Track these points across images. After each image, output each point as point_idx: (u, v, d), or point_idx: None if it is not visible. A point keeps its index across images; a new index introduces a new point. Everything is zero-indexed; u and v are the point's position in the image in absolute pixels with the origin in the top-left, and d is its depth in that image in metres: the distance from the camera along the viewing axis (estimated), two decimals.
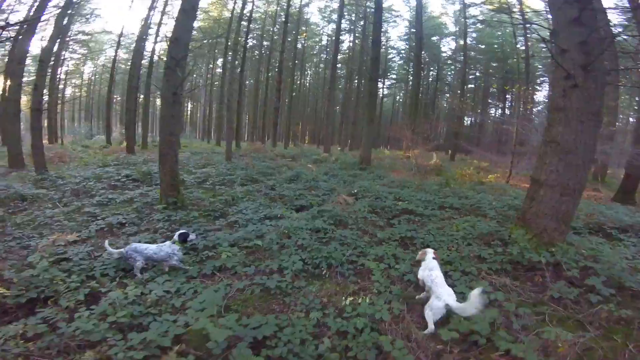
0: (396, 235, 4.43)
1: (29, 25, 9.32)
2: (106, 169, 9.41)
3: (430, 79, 33.99)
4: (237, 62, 18.05)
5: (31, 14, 12.18)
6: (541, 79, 24.87)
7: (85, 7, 18.07)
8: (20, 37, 9.73)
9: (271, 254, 3.78)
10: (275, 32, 26.03)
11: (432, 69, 33.28)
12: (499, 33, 23.60)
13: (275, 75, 24.24)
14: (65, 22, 15.86)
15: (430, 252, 2.99)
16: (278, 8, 25.17)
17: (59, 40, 17.39)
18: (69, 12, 15.83)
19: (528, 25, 17.10)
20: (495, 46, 25.21)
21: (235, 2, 20.01)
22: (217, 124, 25.10)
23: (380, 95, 34.80)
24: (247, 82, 31.92)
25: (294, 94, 28.64)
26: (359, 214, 5.41)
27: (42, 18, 9.90)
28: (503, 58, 24.71)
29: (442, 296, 2.51)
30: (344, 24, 25.87)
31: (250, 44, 25.44)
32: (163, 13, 18.23)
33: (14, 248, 3.83)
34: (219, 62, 28.80)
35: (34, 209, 5.47)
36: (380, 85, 35.64)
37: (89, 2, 17.90)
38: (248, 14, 19.25)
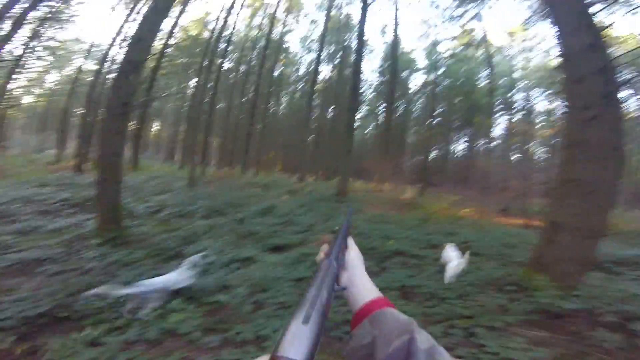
0: (394, 282, 3.70)
1: None
2: (42, 190, 7.94)
3: (398, 114, 35.48)
4: (209, 84, 17.35)
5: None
6: (501, 112, 26.69)
7: (64, 12, 16.68)
8: None
9: (243, 315, 2.84)
10: (253, 57, 25.92)
11: (401, 101, 34.89)
12: (464, 68, 25.27)
13: (251, 98, 23.76)
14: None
15: (448, 246, 4.07)
16: (259, 33, 25.32)
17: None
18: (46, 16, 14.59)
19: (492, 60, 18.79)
20: (462, 79, 26.78)
21: (216, 23, 19.74)
22: (183, 146, 23.66)
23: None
24: (219, 105, 31.12)
25: (266, 120, 28.15)
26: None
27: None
28: (467, 92, 26.24)
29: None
30: (323, 53, 26.53)
31: (227, 67, 25.03)
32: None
33: None
34: (192, 82, 27.91)
35: None
36: None
37: (69, 7, 16.56)
38: (228, 36, 18.96)
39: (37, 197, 6.95)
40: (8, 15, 8.25)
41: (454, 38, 21.06)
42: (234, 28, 20.46)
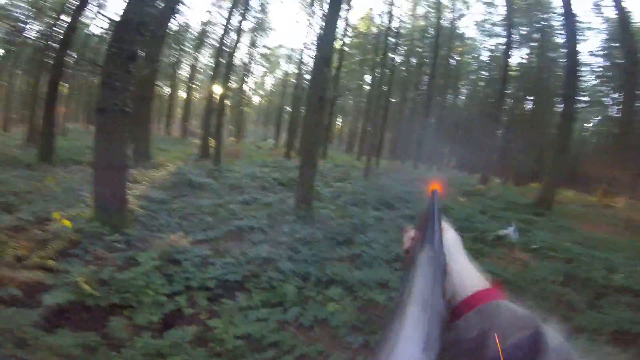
0: (607, 324, 2.65)
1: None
2: (263, 169, 10.51)
3: None
4: (384, 78, 17.77)
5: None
6: None
7: (266, 21, 22.17)
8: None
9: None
10: (424, 48, 24.44)
11: None
12: None
13: (425, 91, 22.65)
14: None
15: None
16: (425, 23, 23.56)
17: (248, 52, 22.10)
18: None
19: None
20: None
21: (381, 18, 19.94)
22: (361, 139, 25.58)
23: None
24: (393, 100, 31.45)
25: (443, 112, 25.98)
26: (543, 283, 3.62)
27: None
28: None
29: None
30: (514, 36, 21.67)
31: (398, 60, 24.79)
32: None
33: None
34: (368, 78, 29.56)
35: (194, 196, 6.28)
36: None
37: (267, 16, 21.87)
38: (396, 30, 18.77)
39: (259, 175, 9.22)
40: (232, 27, 11.29)
41: None
42: (399, 20, 19.88)
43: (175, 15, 11.01)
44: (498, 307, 0.41)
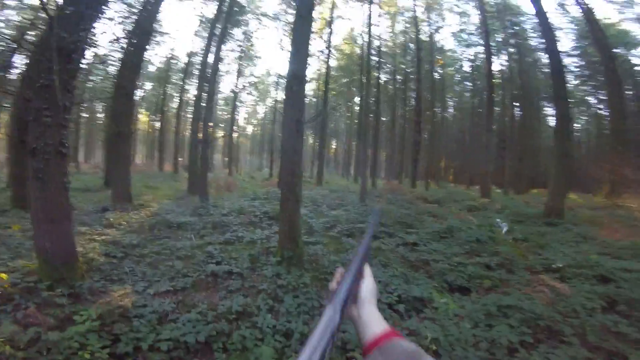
0: None
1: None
2: (253, 203, 9.84)
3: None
4: (371, 98, 17.71)
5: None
6: None
7: (251, 50, 22.44)
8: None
9: None
10: (407, 64, 24.82)
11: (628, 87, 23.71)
12: None
13: (414, 106, 22.67)
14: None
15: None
16: (404, 39, 24.08)
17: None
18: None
19: None
20: None
21: (362, 38, 20.30)
22: (355, 161, 25.28)
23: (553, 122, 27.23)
24: (383, 118, 31.55)
25: (435, 127, 25.91)
26: (583, 314, 2.97)
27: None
28: None
29: None
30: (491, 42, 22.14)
31: (384, 78, 25.04)
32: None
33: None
34: (357, 99, 29.81)
35: (172, 238, 5.64)
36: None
37: (252, 45, 22.15)
38: (377, 48, 18.99)
39: (248, 209, 8.56)
40: (219, 57, 11.08)
41: None
42: (379, 39, 20.21)
43: (149, 45, 10.80)
44: (393, 344, 0.52)
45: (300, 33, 4.18)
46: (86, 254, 3.94)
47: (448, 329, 2.86)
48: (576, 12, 17.94)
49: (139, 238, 5.35)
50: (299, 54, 4.08)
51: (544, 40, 10.95)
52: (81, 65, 3.75)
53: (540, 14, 9.99)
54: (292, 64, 4.04)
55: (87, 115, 33.18)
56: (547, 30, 9.90)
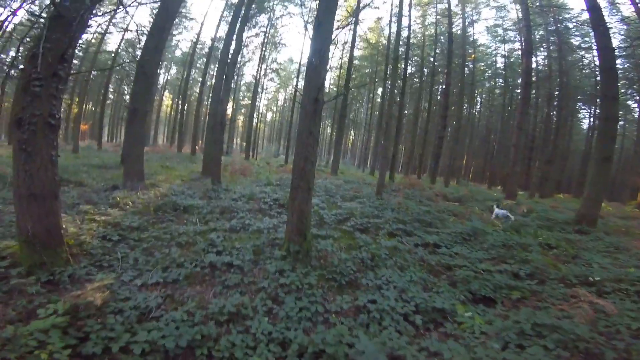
0: None
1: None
2: (265, 189, 9.52)
3: None
4: (395, 90, 16.83)
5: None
6: None
7: (276, 36, 21.80)
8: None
9: None
10: (436, 56, 23.55)
11: None
12: None
13: (440, 101, 21.57)
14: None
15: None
16: (435, 31, 22.77)
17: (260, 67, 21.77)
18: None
19: None
20: None
21: (390, 28, 19.22)
22: (373, 153, 24.55)
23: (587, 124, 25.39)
24: (406, 111, 30.37)
25: (460, 122, 24.67)
26: (625, 335, 2.57)
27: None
28: None
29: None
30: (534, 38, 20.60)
31: (410, 70, 23.94)
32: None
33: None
34: (379, 91, 28.77)
35: (176, 222, 5.39)
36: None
37: (277, 32, 21.51)
38: (405, 39, 17.96)
39: (259, 195, 8.25)
40: (241, 40, 10.66)
41: None
42: (409, 29, 19.15)
43: (171, 25, 10.48)
44: None
45: (326, 5, 3.69)
46: (80, 236, 3.70)
47: (475, 351, 2.43)
48: (627, 10, 16.47)
49: (140, 220, 5.12)
50: (322, 27, 3.61)
51: (593, 37, 9.95)
52: (82, 35, 3.43)
53: (594, 9, 9.04)
54: (314, 39, 3.58)
55: (113, 97, 33.89)
56: (599, 25, 8.92)
